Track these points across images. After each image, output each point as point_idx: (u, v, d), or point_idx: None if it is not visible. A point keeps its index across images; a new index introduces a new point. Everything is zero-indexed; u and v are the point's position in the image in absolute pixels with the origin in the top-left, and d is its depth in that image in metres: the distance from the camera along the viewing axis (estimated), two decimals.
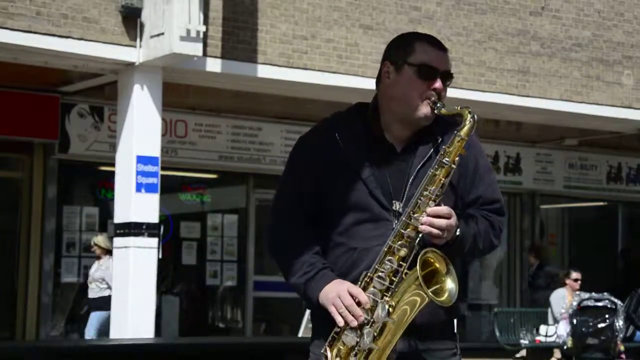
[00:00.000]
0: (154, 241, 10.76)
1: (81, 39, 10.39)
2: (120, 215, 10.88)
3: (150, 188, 10.81)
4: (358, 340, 3.10)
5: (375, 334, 3.09)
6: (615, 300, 12.95)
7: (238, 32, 11.22)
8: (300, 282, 3.20)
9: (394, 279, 3.11)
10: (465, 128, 3.23)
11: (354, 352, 3.11)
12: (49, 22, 10.20)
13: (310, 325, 3.41)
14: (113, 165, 11.27)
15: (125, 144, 10.95)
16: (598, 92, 13.67)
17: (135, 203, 10.77)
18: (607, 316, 12.76)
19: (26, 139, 13.10)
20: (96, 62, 10.77)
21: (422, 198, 3.12)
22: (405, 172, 3.23)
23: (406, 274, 3.11)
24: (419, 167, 3.22)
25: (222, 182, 15.07)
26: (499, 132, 16.01)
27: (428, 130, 3.28)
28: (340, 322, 3.10)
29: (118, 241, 10.88)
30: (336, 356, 3.13)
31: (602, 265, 18.56)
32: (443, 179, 3.15)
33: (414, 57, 3.24)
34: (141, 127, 10.83)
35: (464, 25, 12.76)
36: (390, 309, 3.08)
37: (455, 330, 3.42)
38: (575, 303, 13.14)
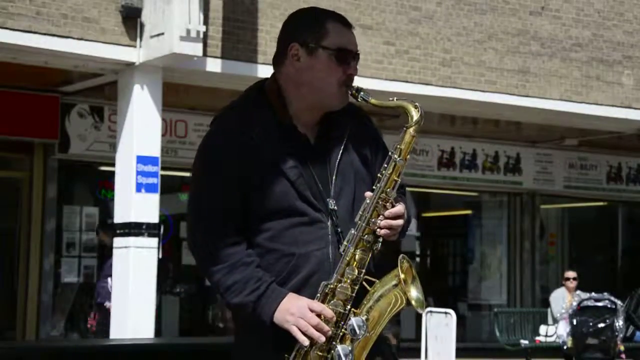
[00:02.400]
0: (154, 241, 10.76)
1: (81, 39, 10.39)
2: (120, 215, 10.88)
3: (150, 188, 10.81)
4: (326, 355, 2.95)
5: (350, 348, 2.95)
6: (615, 300, 12.96)
7: (238, 32, 11.22)
8: (249, 300, 2.94)
9: (355, 287, 2.97)
10: (415, 125, 3.00)
11: None
12: (49, 22, 10.20)
13: None
14: (113, 165, 11.27)
15: (125, 144, 10.95)
16: (598, 92, 13.67)
17: (135, 203, 10.77)
18: (607, 316, 12.77)
19: (26, 139, 13.10)
20: (96, 62, 10.77)
21: (380, 201, 2.98)
22: (325, 164, 3.06)
23: (366, 280, 2.98)
24: (338, 159, 3.05)
25: None
26: (499, 132, 16.01)
27: (335, 116, 3.10)
28: (305, 342, 2.91)
29: (118, 241, 10.88)
30: None
31: (602, 265, 18.57)
32: (396, 178, 3.00)
33: (329, 40, 3.02)
34: (141, 127, 10.83)
35: (464, 25, 12.76)
36: (367, 322, 2.95)
37: None
38: (575, 303, 13.15)
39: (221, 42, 11.08)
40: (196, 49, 10.47)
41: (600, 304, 12.91)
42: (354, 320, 2.94)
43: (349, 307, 2.97)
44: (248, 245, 3.03)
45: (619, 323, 12.78)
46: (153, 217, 10.82)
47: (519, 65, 13.10)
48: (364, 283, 2.99)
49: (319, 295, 2.97)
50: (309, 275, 3.00)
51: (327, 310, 2.94)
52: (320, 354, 2.95)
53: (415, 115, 3.01)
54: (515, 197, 17.30)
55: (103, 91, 12.64)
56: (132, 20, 10.66)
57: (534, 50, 13.23)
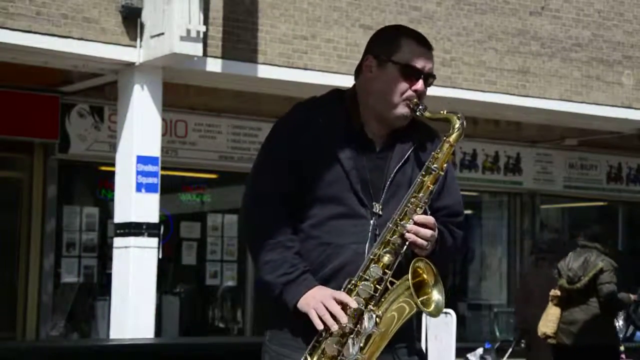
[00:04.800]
0: (154, 241, 10.76)
1: (81, 39, 10.39)
2: (120, 215, 10.88)
3: (150, 188, 10.81)
4: (340, 349, 3.00)
5: (361, 344, 3.00)
6: None
7: (238, 32, 11.22)
8: (279, 282, 3.05)
9: (378, 287, 3.03)
10: (455, 134, 3.13)
11: None
12: (49, 22, 10.20)
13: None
14: (113, 165, 11.27)
15: (125, 144, 10.95)
16: (598, 92, 13.67)
17: (135, 203, 10.77)
18: None
19: (26, 139, 13.10)
20: (96, 62, 10.77)
21: (409, 205, 3.05)
22: (383, 172, 3.15)
23: (391, 282, 3.03)
24: (396, 168, 3.14)
25: (222, 182, 15.06)
26: (499, 132, 16.01)
27: (405, 131, 3.19)
28: (319, 325, 2.99)
29: (118, 241, 10.88)
30: None
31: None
32: (431, 186, 3.08)
33: (399, 56, 3.15)
34: (141, 127, 10.83)
35: (464, 25, 12.76)
36: (378, 320, 3.00)
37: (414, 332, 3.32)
38: None
39: (221, 42, 11.08)
40: (196, 49, 10.47)
41: None
42: (366, 315, 3.00)
43: (371, 305, 3.02)
44: (293, 231, 3.12)
45: (619, 323, 12.77)
46: (153, 217, 10.82)
47: (519, 65, 13.10)
48: (388, 284, 3.03)
49: (343, 288, 3.04)
50: (341, 266, 3.08)
51: (351, 300, 3.00)
52: (335, 346, 3.00)
53: (457, 125, 3.12)
54: (515, 197, 17.29)
55: (103, 91, 12.64)
56: (132, 20, 10.66)
57: (534, 50, 13.23)
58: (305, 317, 3.02)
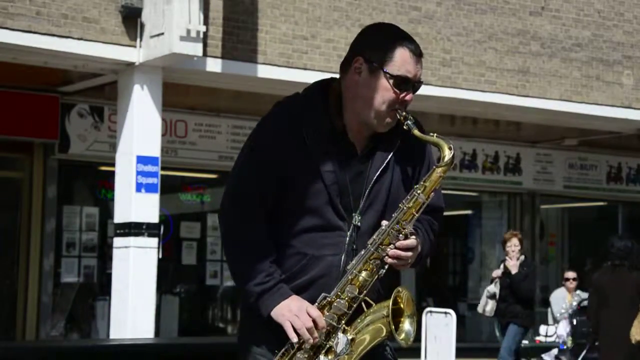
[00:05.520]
0: (154, 241, 10.76)
1: (81, 39, 10.39)
2: (120, 215, 10.88)
3: (150, 188, 10.81)
4: None
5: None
6: None
7: (238, 32, 11.22)
8: (255, 291, 3.05)
9: (353, 304, 3.04)
10: (445, 167, 3.11)
11: None
12: (49, 22, 10.20)
13: None
14: (113, 165, 11.26)
15: (125, 144, 10.95)
16: (598, 92, 13.67)
17: (135, 203, 10.77)
18: None
19: (26, 139, 13.10)
20: (96, 62, 10.77)
21: (392, 231, 3.05)
22: (363, 179, 3.12)
23: (365, 302, 3.05)
24: (376, 176, 3.12)
25: (222, 182, 15.05)
26: (499, 132, 16.01)
27: (387, 134, 3.16)
28: (294, 338, 3.00)
29: (118, 241, 10.88)
30: None
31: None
32: (415, 214, 3.07)
33: (393, 67, 3.09)
34: (141, 127, 10.83)
35: (464, 25, 12.76)
36: (352, 342, 3.03)
37: None
38: (575, 303, 13.14)
39: (221, 42, 11.08)
40: (196, 49, 10.47)
41: None
42: (340, 337, 3.02)
43: (343, 322, 3.04)
44: (270, 234, 3.11)
45: None
46: (153, 217, 10.82)
47: (519, 65, 13.10)
48: (362, 304, 3.05)
49: (317, 304, 3.04)
50: (317, 277, 3.08)
51: (321, 319, 3.01)
52: (305, 357, 3.02)
53: (447, 156, 3.11)
54: (515, 197, 17.29)
55: (103, 91, 12.64)
56: (132, 20, 10.66)
57: (534, 50, 13.23)
58: (279, 327, 3.04)
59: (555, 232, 18.55)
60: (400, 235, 3.05)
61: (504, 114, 13.95)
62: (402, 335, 3.07)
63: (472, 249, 17.59)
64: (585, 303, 12.98)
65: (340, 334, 3.03)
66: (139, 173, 10.76)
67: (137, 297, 10.66)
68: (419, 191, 3.07)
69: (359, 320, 3.05)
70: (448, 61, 12.60)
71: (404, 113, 3.12)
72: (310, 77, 11.75)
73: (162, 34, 10.44)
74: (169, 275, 14.54)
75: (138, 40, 10.69)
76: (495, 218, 17.52)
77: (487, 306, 11.62)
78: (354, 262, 3.05)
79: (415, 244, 3.07)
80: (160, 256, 11.18)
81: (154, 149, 10.90)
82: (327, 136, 3.10)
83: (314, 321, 3.00)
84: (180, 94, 12.68)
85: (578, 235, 18.66)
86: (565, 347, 13.03)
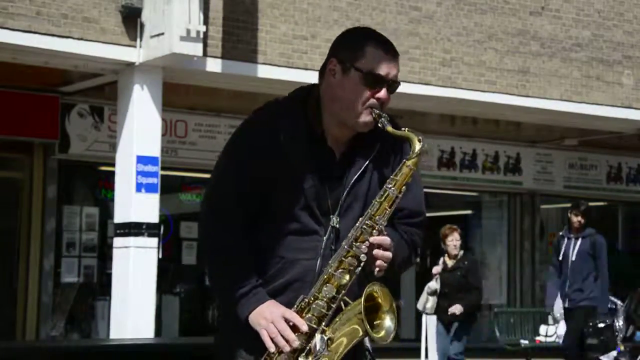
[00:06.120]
0: (154, 241, 10.76)
1: (81, 39, 10.39)
2: (120, 215, 10.88)
3: (150, 188, 10.81)
4: None
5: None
6: (615, 300, 12.95)
7: (238, 32, 11.22)
8: (232, 295, 3.04)
9: (332, 305, 3.02)
10: (414, 159, 3.07)
11: None
12: (49, 22, 10.20)
13: None
14: (113, 165, 11.27)
15: (125, 144, 10.95)
16: (598, 92, 13.67)
17: (135, 203, 10.77)
18: (607, 316, 12.74)
19: (26, 139, 13.10)
20: (96, 62, 10.77)
21: (365, 226, 3.03)
22: (341, 183, 3.11)
23: (344, 302, 3.03)
24: (354, 179, 3.11)
25: None
26: (499, 132, 16.01)
27: (367, 138, 3.15)
28: (271, 348, 2.97)
29: (118, 241, 10.88)
30: None
31: None
32: (388, 209, 3.05)
33: (363, 63, 3.07)
34: (141, 127, 10.84)
35: (464, 25, 12.76)
36: (329, 342, 3.00)
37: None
38: None
39: (221, 42, 11.08)
40: (196, 49, 10.47)
41: None
42: (317, 337, 2.99)
43: (323, 324, 3.01)
44: (247, 236, 3.10)
45: (619, 323, 12.77)
46: (153, 217, 10.83)
47: (519, 65, 13.10)
48: (342, 304, 3.03)
49: (295, 306, 3.03)
50: (291, 281, 3.07)
51: (298, 319, 3.00)
52: None
53: (416, 148, 3.07)
54: (515, 197, 17.29)
55: (103, 91, 12.64)
56: (132, 20, 10.66)
57: (534, 50, 13.23)
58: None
59: (555, 232, 18.54)
60: (374, 231, 3.03)
61: (504, 114, 13.95)
62: (382, 333, 3.01)
63: (472, 249, 17.58)
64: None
65: (317, 335, 3.00)
66: (139, 173, 10.76)
67: (137, 297, 10.66)
68: (390, 185, 3.05)
69: (336, 320, 3.02)
70: (448, 61, 12.60)
71: (377, 111, 3.08)
72: (310, 77, 11.74)
73: (162, 34, 10.44)
74: (169, 275, 14.54)
75: (138, 40, 10.69)
76: (495, 218, 17.52)
77: (427, 303, 11.37)
78: (330, 261, 3.04)
79: (389, 244, 3.05)
80: (160, 256, 11.19)
81: (154, 149, 10.90)
82: (304, 141, 3.10)
83: (293, 326, 2.99)
84: (180, 94, 12.68)
85: None
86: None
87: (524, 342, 14.25)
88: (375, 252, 3.02)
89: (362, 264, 3.02)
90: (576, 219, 11.43)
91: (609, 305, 12.85)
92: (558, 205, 18.29)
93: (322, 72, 3.19)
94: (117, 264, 10.96)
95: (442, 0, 12.62)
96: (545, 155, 17.19)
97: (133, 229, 10.69)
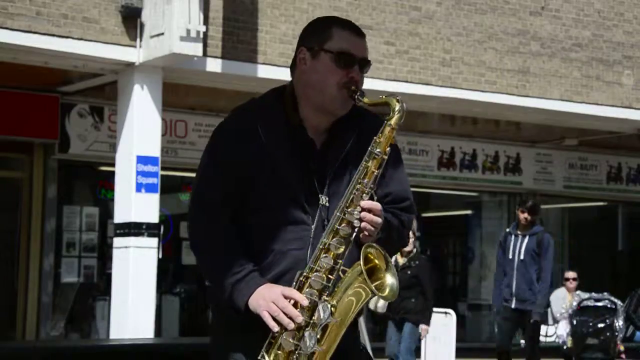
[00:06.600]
0: (154, 241, 10.76)
1: (81, 39, 10.39)
2: (120, 215, 10.88)
3: (150, 188, 10.81)
4: (297, 343, 2.96)
5: (318, 336, 2.96)
6: (615, 300, 12.95)
7: (238, 32, 11.22)
8: (229, 283, 3.03)
9: (331, 277, 3.00)
10: (395, 117, 3.08)
11: (295, 356, 2.97)
12: (49, 22, 10.20)
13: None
14: (113, 165, 11.27)
15: (125, 144, 10.95)
16: (598, 92, 13.67)
17: (135, 203, 10.77)
18: (607, 316, 12.75)
19: (26, 139, 13.10)
20: (96, 62, 10.77)
21: (355, 191, 3.02)
22: (325, 170, 3.12)
23: (343, 271, 3.00)
24: (337, 165, 3.12)
25: None
26: (499, 132, 16.01)
27: (346, 122, 3.17)
28: (274, 327, 2.95)
29: (118, 241, 10.88)
30: None
31: (602, 265, 18.56)
32: (375, 171, 3.04)
33: (331, 44, 3.12)
34: (141, 127, 10.84)
35: (464, 25, 12.76)
36: (333, 309, 2.97)
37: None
38: (575, 303, 13.14)
39: (221, 42, 11.08)
40: (196, 49, 10.47)
41: (600, 304, 12.90)
42: (320, 307, 2.96)
43: (324, 296, 2.99)
44: (236, 233, 3.11)
45: (619, 323, 12.77)
46: (153, 217, 10.83)
47: (519, 65, 13.10)
48: (340, 274, 3.01)
49: (294, 283, 3.01)
50: (284, 272, 3.06)
51: (298, 295, 2.97)
52: (291, 340, 2.97)
53: (396, 107, 3.08)
54: (515, 197, 17.28)
55: (103, 91, 12.64)
56: (132, 20, 10.66)
57: (534, 50, 13.23)
58: (258, 318, 2.99)
59: (555, 232, 18.55)
60: (364, 195, 3.02)
61: (504, 114, 13.95)
62: (387, 291, 2.99)
63: (472, 249, 17.59)
64: (585, 303, 12.99)
65: (319, 305, 2.97)
66: (139, 173, 10.77)
67: (137, 297, 10.66)
68: (375, 147, 3.04)
69: (337, 289, 3.00)
70: (448, 61, 12.60)
71: (353, 87, 3.10)
72: None
73: (162, 34, 10.44)
74: (169, 275, 14.55)
75: (138, 40, 10.69)
76: (495, 218, 17.52)
77: (378, 302, 11.14)
78: (324, 233, 3.02)
79: (380, 207, 3.03)
80: (160, 256, 11.19)
81: (154, 149, 10.90)
82: (283, 132, 3.12)
83: (295, 302, 2.96)
84: (180, 94, 12.68)
85: (578, 235, 18.65)
86: (566, 347, 13.00)
87: (523, 342, 14.22)
88: (363, 214, 3.00)
89: (356, 231, 3.01)
90: (523, 216, 10.76)
91: (609, 305, 12.85)
92: (558, 205, 18.30)
93: (293, 66, 3.23)
94: (117, 264, 10.96)
95: (442, 0, 12.62)
96: (545, 155, 17.18)
97: (133, 229, 10.69)
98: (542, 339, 14.14)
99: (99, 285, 13.80)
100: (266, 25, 11.38)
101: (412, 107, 13.14)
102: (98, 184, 14.02)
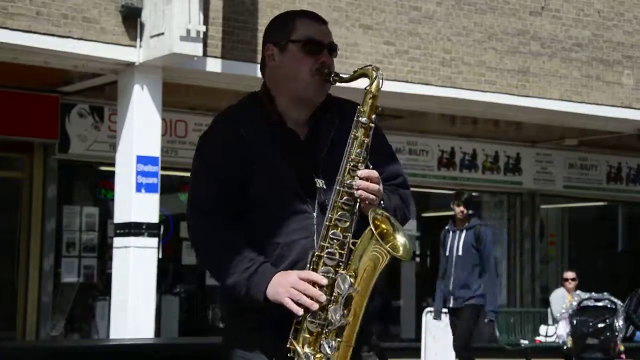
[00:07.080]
0: (154, 241, 10.76)
1: (81, 39, 10.39)
2: (120, 215, 10.88)
3: (150, 188, 10.81)
4: (323, 322, 2.95)
5: (342, 309, 2.94)
6: (615, 300, 12.95)
7: (238, 32, 11.22)
8: (243, 279, 3.00)
9: (343, 251, 2.99)
10: (374, 84, 3.09)
11: (323, 335, 2.95)
12: (49, 22, 10.20)
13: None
14: (113, 165, 11.27)
15: (125, 144, 10.95)
16: (598, 92, 13.67)
17: (135, 203, 10.77)
18: (606, 316, 12.75)
19: (26, 139, 13.10)
20: (96, 62, 10.77)
21: (350, 162, 3.02)
22: (314, 158, 3.12)
23: (353, 243, 2.99)
24: (325, 151, 3.12)
25: None
26: (499, 132, 16.02)
27: (326, 111, 3.18)
28: (299, 311, 2.93)
29: (118, 241, 10.88)
30: (305, 347, 2.96)
31: (602, 265, 18.56)
32: (365, 139, 3.03)
33: (297, 34, 3.16)
34: (141, 127, 10.84)
35: (464, 25, 12.76)
36: (352, 280, 2.95)
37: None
38: (575, 303, 13.14)
39: (221, 42, 11.09)
40: (196, 49, 10.47)
41: (600, 304, 12.90)
42: (338, 280, 2.95)
43: (340, 270, 2.98)
44: (240, 231, 3.11)
45: (619, 323, 12.77)
46: (153, 217, 10.83)
47: (519, 65, 13.10)
48: (351, 246, 3.00)
49: (308, 265, 3.00)
50: (295, 262, 3.05)
51: (316, 275, 2.96)
52: (317, 321, 2.95)
53: (373, 75, 3.09)
54: (515, 197, 17.30)
55: (103, 91, 12.64)
56: (132, 20, 10.66)
57: (534, 50, 13.23)
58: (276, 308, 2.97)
59: (555, 232, 18.56)
60: (360, 164, 3.02)
61: (504, 114, 13.95)
62: (401, 251, 2.97)
63: None
64: (585, 303, 12.99)
65: (338, 278, 2.95)
66: (139, 173, 10.77)
67: (137, 297, 10.66)
68: (360, 116, 3.05)
69: (350, 261, 2.99)
70: (448, 61, 12.60)
71: (326, 70, 3.13)
72: None
73: (162, 34, 10.44)
74: (169, 275, 14.55)
75: (138, 40, 10.69)
76: (495, 218, 17.52)
77: None
78: (328, 208, 3.02)
79: (377, 175, 3.03)
80: (160, 256, 11.19)
81: (154, 149, 10.90)
82: (265, 129, 3.14)
83: (313, 283, 2.95)
84: (180, 94, 12.69)
85: (578, 235, 18.66)
86: (566, 347, 13.00)
87: (524, 342, 14.24)
88: (359, 183, 2.99)
89: (358, 201, 3.00)
90: (459, 209, 10.46)
91: (609, 305, 12.85)
92: (558, 205, 18.31)
93: (263, 65, 3.29)
94: (117, 264, 10.96)
95: (442, 0, 12.62)
96: (545, 155, 17.19)
97: (133, 229, 10.69)
98: (542, 339, 14.17)
99: (99, 285, 13.81)
100: (266, 25, 11.37)
101: (412, 107, 13.15)
102: (98, 184, 14.03)
